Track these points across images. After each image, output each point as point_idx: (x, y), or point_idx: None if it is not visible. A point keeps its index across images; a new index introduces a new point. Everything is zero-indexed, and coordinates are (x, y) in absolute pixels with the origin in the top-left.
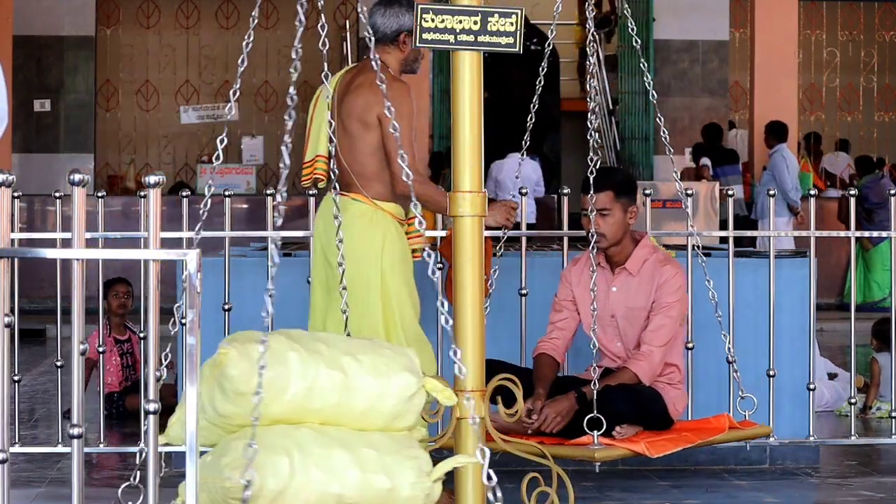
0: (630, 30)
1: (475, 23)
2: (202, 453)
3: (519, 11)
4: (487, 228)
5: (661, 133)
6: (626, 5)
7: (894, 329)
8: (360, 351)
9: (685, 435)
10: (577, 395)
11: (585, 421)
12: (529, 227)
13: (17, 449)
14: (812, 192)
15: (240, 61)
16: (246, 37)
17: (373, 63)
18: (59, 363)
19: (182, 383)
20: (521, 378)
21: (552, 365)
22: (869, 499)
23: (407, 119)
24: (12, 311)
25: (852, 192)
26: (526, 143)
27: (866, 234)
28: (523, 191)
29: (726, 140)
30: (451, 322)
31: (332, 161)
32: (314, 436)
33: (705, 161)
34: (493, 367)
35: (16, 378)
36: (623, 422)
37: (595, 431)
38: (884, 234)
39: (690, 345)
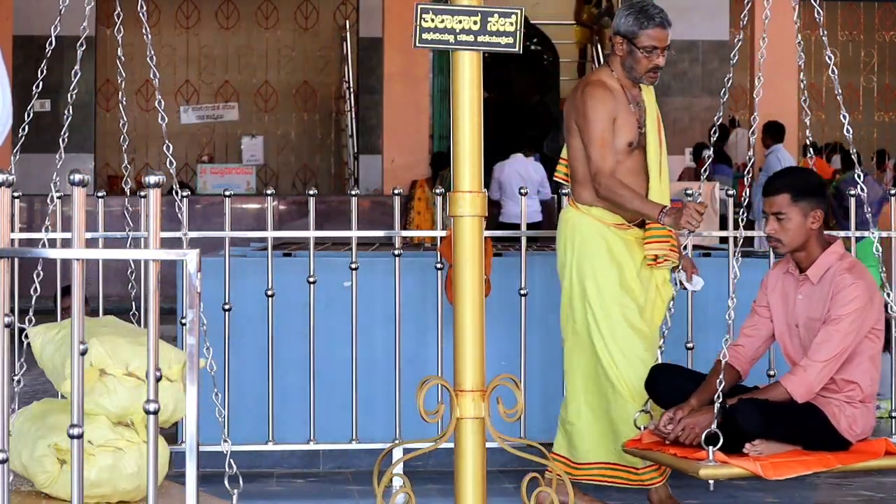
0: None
1: (475, 23)
2: None
3: (519, 11)
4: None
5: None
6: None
7: (894, 329)
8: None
9: (825, 457)
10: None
11: (704, 436)
12: (535, 226)
13: None
14: None
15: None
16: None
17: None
18: None
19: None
20: (694, 384)
21: (725, 374)
22: (869, 499)
23: (596, 122)
24: (12, 311)
25: (852, 193)
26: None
27: (867, 233)
28: (523, 191)
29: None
30: None
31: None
32: (38, 407)
33: (710, 153)
34: (669, 371)
35: (16, 378)
36: (754, 438)
37: (710, 447)
38: (884, 233)
39: (690, 345)
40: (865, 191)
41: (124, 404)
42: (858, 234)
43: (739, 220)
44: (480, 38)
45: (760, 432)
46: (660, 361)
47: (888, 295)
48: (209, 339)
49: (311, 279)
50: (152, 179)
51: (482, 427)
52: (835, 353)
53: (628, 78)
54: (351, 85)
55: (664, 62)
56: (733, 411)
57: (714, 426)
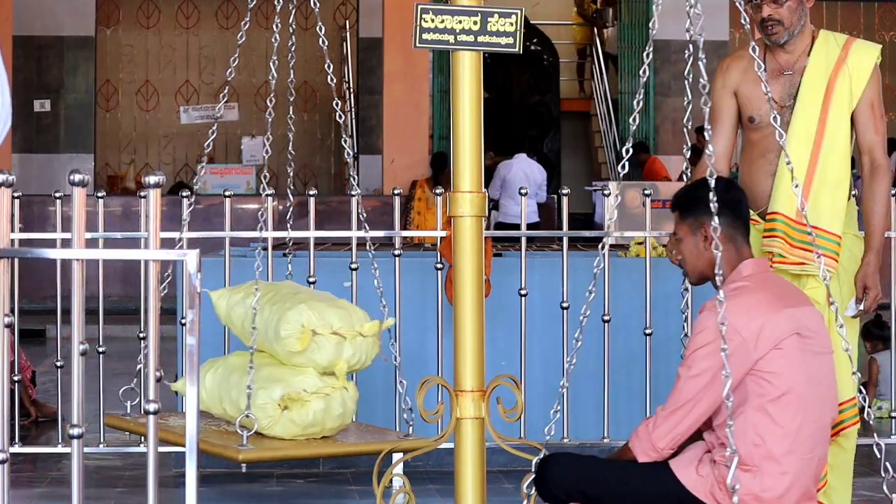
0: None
1: (475, 23)
2: None
3: (519, 11)
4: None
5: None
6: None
7: (894, 328)
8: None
9: None
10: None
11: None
12: (532, 226)
13: (17, 449)
14: None
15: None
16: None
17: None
18: (58, 363)
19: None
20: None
21: None
22: (869, 499)
23: (711, 102)
24: (12, 311)
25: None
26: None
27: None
28: (523, 191)
29: None
30: None
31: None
32: (236, 360)
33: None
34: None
35: (16, 378)
36: (574, 498)
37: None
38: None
39: None
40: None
41: (330, 358)
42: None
43: None
44: (480, 38)
45: (571, 495)
46: None
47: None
48: (207, 339)
49: (311, 279)
50: (152, 179)
51: (482, 427)
52: (681, 403)
53: (765, 45)
54: (351, 85)
55: (777, 13)
56: (544, 464)
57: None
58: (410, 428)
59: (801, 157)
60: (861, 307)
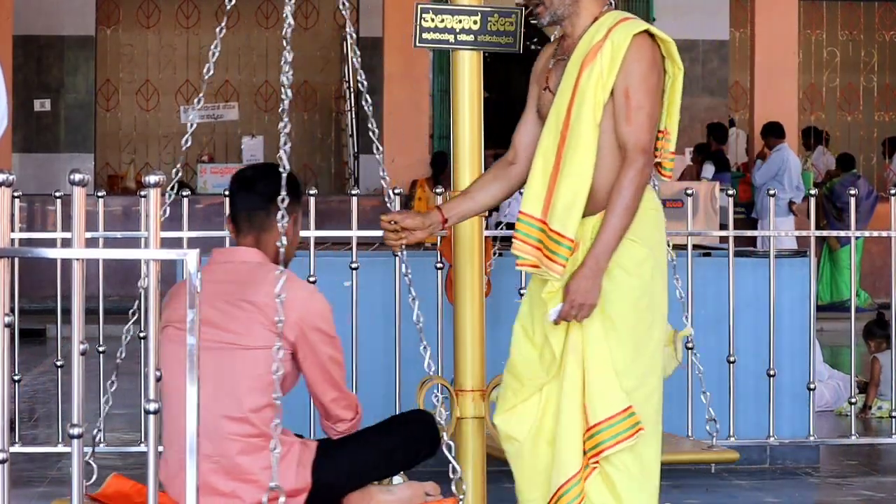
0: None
1: (475, 23)
2: None
3: (519, 11)
4: None
5: None
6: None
7: (895, 328)
8: None
9: None
10: None
11: None
12: None
13: (17, 449)
14: (813, 192)
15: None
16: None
17: None
18: (58, 363)
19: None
20: None
21: None
22: (869, 499)
23: None
24: (12, 311)
25: (852, 192)
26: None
27: (866, 233)
28: (524, 190)
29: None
30: None
31: None
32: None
33: (706, 174)
34: None
35: (16, 378)
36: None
37: None
38: (884, 233)
39: (690, 345)
40: (857, 192)
41: None
42: (858, 233)
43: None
44: (480, 38)
45: None
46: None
47: (855, 295)
48: None
49: (311, 279)
50: (152, 179)
51: (482, 426)
52: None
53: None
54: (351, 85)
55: None
56: None
57: None
58: (714, 438)
59: (550, 151)
60: (552, 315)
